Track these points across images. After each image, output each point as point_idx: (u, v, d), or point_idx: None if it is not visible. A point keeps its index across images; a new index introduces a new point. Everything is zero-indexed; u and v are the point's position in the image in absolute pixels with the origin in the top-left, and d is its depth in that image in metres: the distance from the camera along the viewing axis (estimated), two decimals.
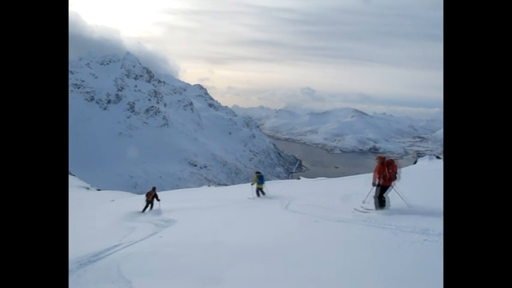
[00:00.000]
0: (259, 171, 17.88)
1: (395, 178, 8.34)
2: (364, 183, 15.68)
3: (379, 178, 8.47)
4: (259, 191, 16.00)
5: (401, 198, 8.35)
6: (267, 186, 16.64)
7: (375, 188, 8.61)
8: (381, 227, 6.81)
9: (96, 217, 17.44)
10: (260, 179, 15.97)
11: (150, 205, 16.64)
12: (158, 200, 16.71)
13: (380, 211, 8.24)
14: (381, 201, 8.42)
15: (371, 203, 8.71)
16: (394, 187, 8.46)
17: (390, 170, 8.31)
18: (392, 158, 8.57)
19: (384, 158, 8.55)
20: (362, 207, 8.91)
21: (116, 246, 8.12)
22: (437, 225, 6.18)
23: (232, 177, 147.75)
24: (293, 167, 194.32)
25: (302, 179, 30.59)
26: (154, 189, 17.02)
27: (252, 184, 16.56)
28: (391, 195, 8.54)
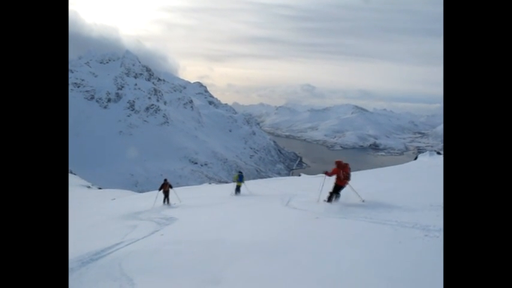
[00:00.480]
0: (241, 171, 20.02)
1: (347, 178, 9.91)
2: (365, 180, 15.69)
3: (330, 175, 10.20)
4: (238, 188, 17.92)
5: (357, 194, 9.65)
6: (247, 184, 18.70)
7: (322, 184, 10.60)
8: (381, 223, 6.82)
9: (97, 216, 17.47)
10: (239, 178, 18.07)
11: (167, 197, 17.66)
12: (171, 187, 17.91)
13: (333, 203, 9.82)
14: (332, 196, 10.02)
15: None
16: (349, 185, 9.99)
17: (344, 172, 9.87)
18: (346, 163, 10.10)
19: (341, 162, 10.08)
20: (324, 200, 10.36)
21: (117, 244, 8.14)
22: (438, 221, 6.19)
23: (233, 174, 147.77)
24: (294, 163, 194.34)
25: (303, 175, 30.65)
26: (166, 180, 18.11)
27: (233, 181, 18.69)
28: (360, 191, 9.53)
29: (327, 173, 10.29)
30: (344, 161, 10.11)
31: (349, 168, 10.04)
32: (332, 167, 10.20)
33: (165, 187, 17.54)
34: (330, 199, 10.01)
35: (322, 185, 10.41)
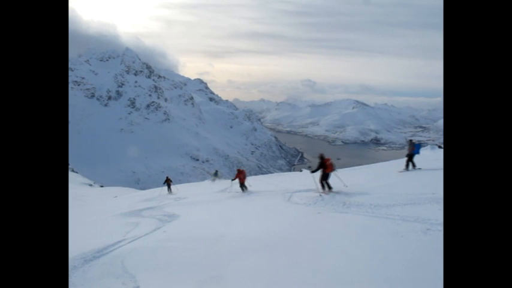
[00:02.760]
0: (217, 170, 31.02)
1: (245, 178, 16.67)
2: (366, 174, 15.64)
3: (235, 179, 17.19)
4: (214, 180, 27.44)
5: (242, 189, 16.58)
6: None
7: (231, 185, 18.50)
8: (383, 218, 6.83)
9: (99, 213, 17.52)
10: (216, 174, 29.44)
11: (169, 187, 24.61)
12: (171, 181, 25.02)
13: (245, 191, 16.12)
14: (242, 187, 16.60)
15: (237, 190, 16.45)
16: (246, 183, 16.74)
17: (242, 176, 16.62)
18: (243, 169, 17.14)
19: (239, 169, 16.94)
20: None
21: (120, 241, 8.16)
22: (439, 214, 6.19)
23: (234, 170, 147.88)
24: (295, 159, 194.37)
25: (304, 171, 30.57)
26: (167, 177, 25.54)
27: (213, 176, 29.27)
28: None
29: (234, 178, 17.20)
30: (242, 168, 17.25)
31: (245, 173, 16.99)
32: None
33: (168, 181, 24.72)
34: (242, 189, 16.45)
35: (231, 185, 18.28)
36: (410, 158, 14.11)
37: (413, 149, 14.05)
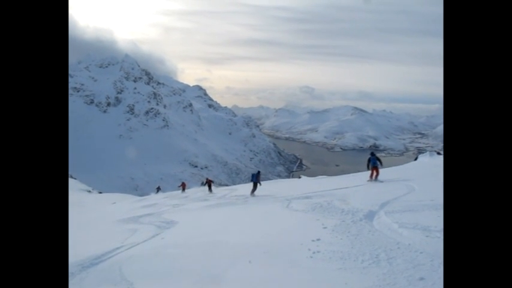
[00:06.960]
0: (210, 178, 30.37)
1: (212, 181, 23.53)
2: (365, 181, 15.66)
3: (180, 186, 28.16)
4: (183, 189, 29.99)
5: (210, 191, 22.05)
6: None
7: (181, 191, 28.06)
8: (382, 224, 6.82)
9: (98, 220, 17.44)
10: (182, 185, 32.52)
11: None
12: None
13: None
14: (183, 190, 27.11)
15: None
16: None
17: (184, 185, 27.86)
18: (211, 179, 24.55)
19: (183, 182, 28.16)
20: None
21: (117, 248, 8.12)
22: (438, 221, 6.19)
23: (233, 177, 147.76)
24: (294, 165, 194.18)
25: (303, 177, 30.55)
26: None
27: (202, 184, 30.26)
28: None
29: (179, 186, 26.04)
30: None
31: (186, 184, 26.40)
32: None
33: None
34: (183, 190, 24.76)
35: (182, 192, 24.98)
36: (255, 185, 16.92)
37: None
